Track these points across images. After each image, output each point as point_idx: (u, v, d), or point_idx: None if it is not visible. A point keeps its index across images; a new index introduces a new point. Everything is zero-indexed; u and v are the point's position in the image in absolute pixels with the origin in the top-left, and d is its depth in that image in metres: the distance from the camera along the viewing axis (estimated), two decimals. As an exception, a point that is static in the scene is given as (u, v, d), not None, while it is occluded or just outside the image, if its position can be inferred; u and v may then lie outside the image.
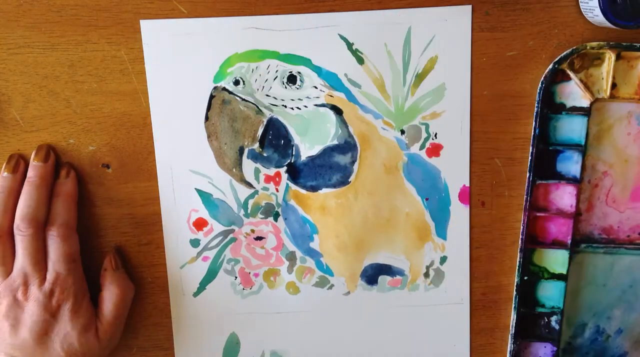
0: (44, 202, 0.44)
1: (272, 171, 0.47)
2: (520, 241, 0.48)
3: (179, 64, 0.45)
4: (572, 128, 0.46)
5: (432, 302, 0.50)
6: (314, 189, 0.47)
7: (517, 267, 0.48)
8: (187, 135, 0.46)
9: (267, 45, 0.45)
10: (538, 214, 0.48)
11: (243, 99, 0.46)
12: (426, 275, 0.49)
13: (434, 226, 0.48)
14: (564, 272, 0.48)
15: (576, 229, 0.48)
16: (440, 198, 0.48)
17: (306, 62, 0.45)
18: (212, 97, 0.46)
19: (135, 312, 0.49)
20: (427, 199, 0.48)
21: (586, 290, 0.49)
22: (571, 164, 0.47)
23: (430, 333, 0.50)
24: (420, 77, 0.46)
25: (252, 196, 0.47)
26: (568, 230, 0.47)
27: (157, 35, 0.45)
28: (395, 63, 0.45)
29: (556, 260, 0.48)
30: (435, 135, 0.47)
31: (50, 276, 0.43)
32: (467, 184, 0.48)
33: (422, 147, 0.47)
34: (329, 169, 0.47)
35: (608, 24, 0.42)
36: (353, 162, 0.47)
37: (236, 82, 0.45)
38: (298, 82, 0.46)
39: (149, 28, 0.44)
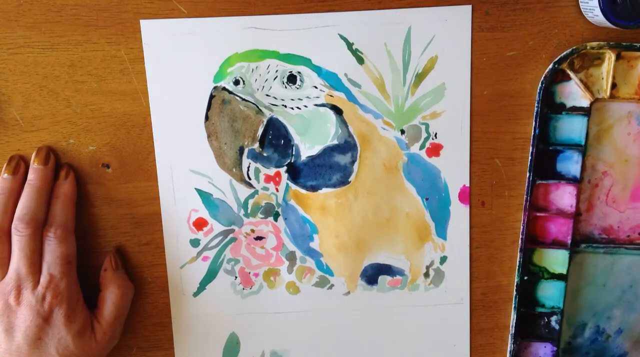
0: (44, 203, 0.44)
1: (272, 171, 0.47)
2: (520, 241, 0.48)
3: (179, 64, 0.45)
4: (572, 128, 0.46)
5: (432, 302, 0.50)
6: (314, 189, 0.47)
7: (517, 267, 0.48)
8: (187, 135, 0.46)
9: (267, 45, 0.45)
10: (538, 214, 0.48)
11: (243, 99, 0.46)
12: (426, 275, 0.49)
13: (434, 226, 0.48)
14: (564, 272, 0.48)
15: (576, 229, 0.48)
16: (440, 198, 0.48)
17: (306, 62, 0.45)
18: (212, 97, 0.46)
19: (135, 312, 0.49)
20: (427, 199, 0.48)
21: (586, 290, 0.49)
22: (571, 164, 0.47)
23: (430, 333, 0.50)
24: (420, 77, 0.46)
25: (252, 195, 0.47)
26: (568, 230, 0.47)
27: (157, 35, 0.45)
28: (395, 63, 0.45)
29: (556, 260, 0.48)
30: (435, 135, 0.47)
31: (43, 279, 0.43)
32: (467, 184, 0.48)
33: (422, 147, 0.47)
34: (329, 169, 0.47)
35: (608, 24, 0.42)
36: (353, 162, 0.47)
37: (236, 82, 0.46)
38: (298, 82, 0.46)
39: (149, 28, 0.44)
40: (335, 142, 0.47)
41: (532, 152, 0.46)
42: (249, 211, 0.48)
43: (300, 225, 0.48)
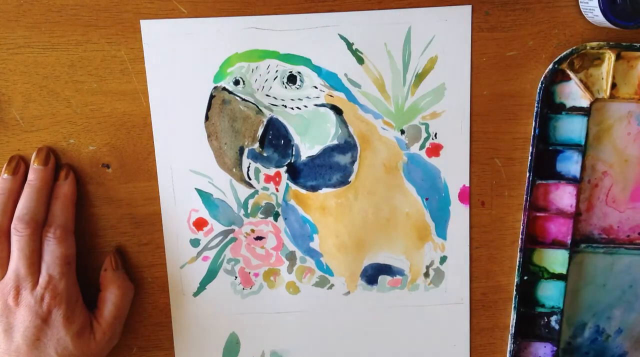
0: (44, 204, 0.44)
1: (272, 171, 0.47)
2: (520, 241, 0.48)
3: (179, 64, 0.45)
4: (572, 128, 0.46)
5: (432, 302, 0.50)
6: (314, 189, 0.47)
7: (517, 267, 0.48)
8: (187, 135, 0.46)
9: (267, 45, 0.45)
10: (538, 214, 0.48)
11: (243, 99, 0.46)
12: (426, 275, 0.49)
13: (434, 225, 0.48)
14: (564, 272, 0.48)
15: (576, 229, 0.48)
16: (440, 198, 0.48)
17: (306, 62, 0.45)
18: (212, 97, 0.46)
19: (135, 312, 0.49)
20: (427, 199, 0.48)
21: (586, 290, 0.49)
22: (571, 164, 0.47)
23: (430, 333, 0.50)
24: (420, 77, 0.46)
25: (252, 195, 0.47)
26: (568, 230, 0.47)
27: (157, 35, 0.45)
28: (395, 63, 0.45)
29: (556, 260, 0.48)
30: (435, 135, 0.47)
31: (42, 279, 0.43)
32: (467, 184, 0.48)
33: (422, 147, 0.47)
34: (329, 169, 0.47)
35: (608, 24, 0.42)
36: (353, 162, 0.47)
37: (236, 82, 0.46)
38: (298, 82, 0.46)
39: (149, 28, 0.44)
40: (335, 142, 0.47)
41: (532, 152, 0.46)
42: (249, 211, 0.48)
43: (300, 225, 0.48)
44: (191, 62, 0.45)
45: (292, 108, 0.46)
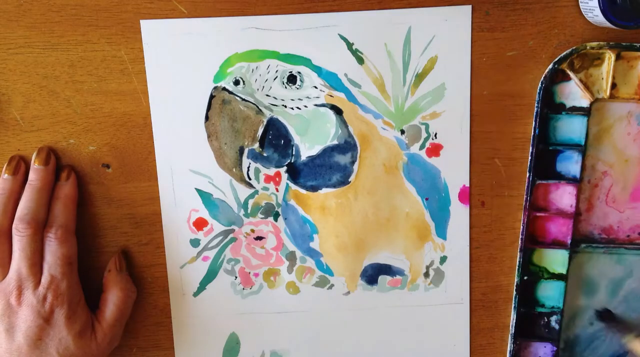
0: (44, 204, 0.44)
1: (272, 171, 0.47)
2: (520, 241, 0.48)
3: (179, 64, 0.45)
4: (572, 128, 0.46)
5: (432, 302, 0.50)
6: (314, 189, 0.48)
7: (517, 267, 0.48)
8: (187, 135, 0.46)
9: (267, 45, 0.45)
10: (538, 214, 0.48)
11: (243, 99, 0.46)
12: (426, 275, 0.49)
13: (434, 225, 0.48)
14: (564, 272, 0.48)
15: (576, 229, 0.48)
16: (440, 198, 0.48)
17: (306, 62, 0.45)
18: (212, 97, 0.46)
19: (135, 312, 0.49)
20: (427, 199, 0.48)
21: (586, 290, 0.49)
22: (571, 164, 0.47)
23: (430, 333, 0.50)
24: (420, 77, 0.46)
25: (252, 195, 0.47)
26: (568, 230, 0.47)
27: (157, 35, 0.45)
28: (395, 63, 0.45)
29: (556, 260, 0.48)
30: (435, 135, 0.47)
31: (44, 279, 0.43)
32: (467, 184, 0.48)
33: (422, 147, 0.47)
34: (329, 169, 0.47)
35: (608, 24, 0.42)
36: (353, 162, 0.47)
37: (236, 82, 0.46)
38: (298, 82, 0.46)
39: (149, 28, 0.44)
40: (335, 142, 0.47)
41: (532, 152, 0.46)
42: (249, 211, 0.48)
43: (300, 225, 0.48)
44: (191, 62, 0.45)
45: (292, 108, 0.46)
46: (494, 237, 0.49)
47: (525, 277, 0.48)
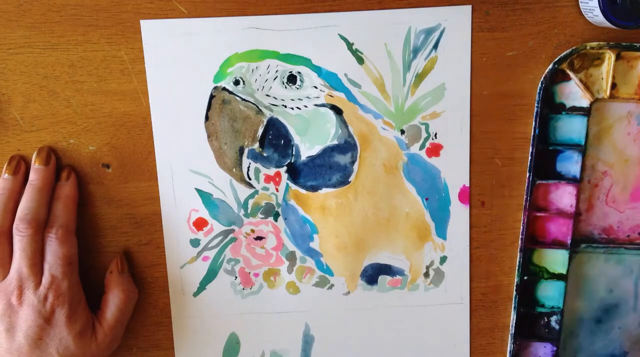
0: (45, 204, 0.44)
1: (272, 171, 0.47)
2: (520, 241, 0.48)
3: (179, 64, 0.45)
4: (572, 128, 0.46)
5: (432, 302, 0.50)
6: (314, 189, 0.48)
7: (517, 267, 0.48)
8: (187, 135, 0.46)
9: (267, 45, 0.45)
10: (538, 214, 0.48)
11: (243, 99, 0.46)
12: (426, 275, 0.49)
13: (434, 225, 0.48)
14: (564, 272, 0.48)
15: (576, 229, 0.48)
16: (440, 198, 0.48)
17: (306, 62, 0.45)
18: (212, 97, 0.46)
19: (135, 312, 0.49)
20: (427, 199, 0.48)
21: (586, 290, 0.49)
22: (571, 164, 0.47)
23: (430, 333, 0.50)
24: (420, 77, 0.46)
25: (252, 195, 0.47)
26: (568, 230, 0.47)
27: (157, 35, 0.45)
28: (395, 63, 0.45)
29: (556, 260, 0.48)
30: (435, 135, 0.47)
31: (45, 279, 0.43)
32: (467, 184, 0.48)
33: (422, 147, 0.47)
34: (329, 169, 0.47)
35: (608, 24, 0.42)
36: (353, 162, 0.47)
37: (236, 82, 0.46)
38: (298, 82, 0.46)
39: (149, 28, 0.44)
40: (335, 142, 0.47)
41: (532, 152, 0.46)
42: (249, 211, 0.48)
43: (300, 225, 0.48)
44: (191, 62, 0.45)
45: (292, 108, 0.46)
46: (494, 237, 0.49)
47: (525, 277, 0.48)
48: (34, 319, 0.42)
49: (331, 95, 0.46)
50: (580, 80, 0.45)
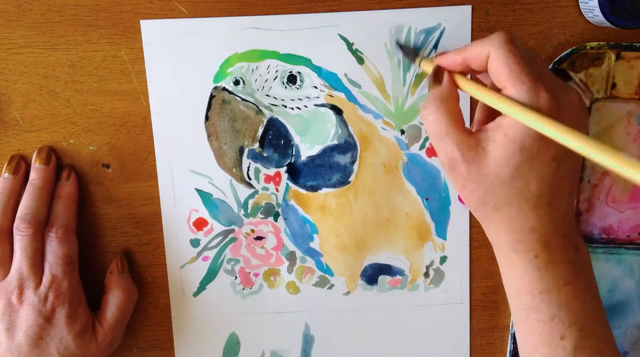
0: (45, 203, 0.44)
1: (272, 171, 0.47)
2: (520, 241, 0.48)
3: (179, 64, 0.45)
4: (572, 128, 0.46)
5: (432, 302, 0.50)
6: (314, 189, 0.48)
7: (517, 267, 0.48)
8: (187, 135, 0.46)
9: (267, 45, 0.45)
10: (538, 214, 0.48)
11: (243, 99, 0.46)
12: (426, 275, 0.49)
13: (434, 225, 0.48)
14: (564, 272, 0.48)
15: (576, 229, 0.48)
16: (440, 198, 0.48)
17: (306, 62, 0.45)
18: (212, 97, 0.46)
19: (135, 312, 0.49)
20: (427, 199, 0.48)
21: (586, 290, 0.49)
22: (571, 164, 0.47)
23: (430, 333, 0.50)
24: (420, 77, 0.46)
25: (252, 195, 0.47)
26: (568, 230, 0.47)
27: (157, 35, 0.45)
28: (395, 63, 0.45)
29: (556, 260, 0.48)
30: (435, 135, 0.47)
31: (46, 279, 0.43)
32: (467, 184, 0.48)
33: (422, 147, 0.47)
34: (329, 169, 0.47)
35: (608, 24, 0.42)
36: (353, 162, 0.47)
37: (236, 82, 0.46)
38: (298, 82, 0.46)
39: (149, 28, 0.44)
40: (335, 142, 0.47)
41: (532, 152, 0.46)
42: (249, 211, 0.48)
43: (300, 225, 0.48)
44: (191, 62, 0.45)
45: (292, 108, 0.46)
46: (494, 237, 0.49)
47: (525, 277, 0.48)
48: (34, 319, 0.42)
49: (331, 95, 0.46)
50: (580, 80, 0.45)
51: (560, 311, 0.36)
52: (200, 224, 0.48)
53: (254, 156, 0.47)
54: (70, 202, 0.45)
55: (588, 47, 0.44)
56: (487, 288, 0.49)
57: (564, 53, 0.45)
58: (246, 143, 0.47)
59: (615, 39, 0.45)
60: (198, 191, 0.47)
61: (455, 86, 0.38)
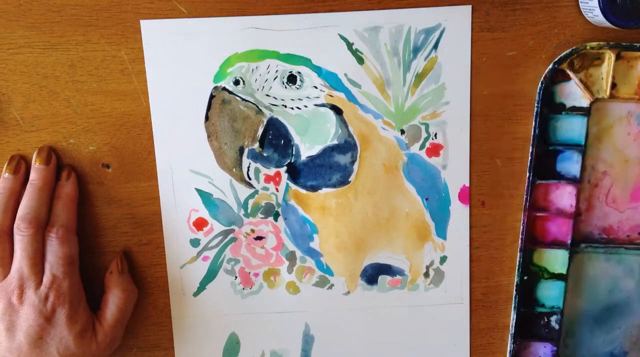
0: (46, 203, 0.44)
1: (272, 171, 0.47)
2: (520, 241, 0.48)
3: (179, 64, 0.45)
4: (572, 128, 0.46)
5: (432, 302, 0.50)
6: (314, 189, 0.48)
7: (517, 267, 0.48)
8: (187, 135, 0.46)
9: (267, 45, 0.45)
10: (538, 214, 0.48)
11: (243, 99, 0.46)
12: (426, 275, 0.49)
13: (434, 225, 0.48)
14: (564, 272, 0.48)
15: (576, 229, 0.48)
16: (440, 198, 0.48)
17: (306, 62, 0.45)
18: (212, 97, 0.46)
19: (135, 312, 0.49)
20: (427, 199, 0.48)
21: (586, 290, 0.49)
22: (571, 164, 0.47)
23: (430, 333, 0.50)
24: (420, 77, 0.46)
25: (252, 195, 0.47)
26: (568, 230, 0.47)
27: (157, 35, 0.45)
28: (395, 63, 0.45)
29: (556, 260, 0.48)
30: (435, 135, 0.47)
31: (46, 279, 0.43)
32: (467, 184, 0.48)
33: (422, 147, 0.47)
34: (329, 168, 0.47)
35: (608, 24, 0.42)
36: (353, 162, 0.47)
37: (236, 82, 0.46)
38: (298, 82, 0.46)
39: (149, 28, 0.44)
40: (335, 142, 0.47)
41: (532, 152, 0.46)
42: (249, 211, 0.48)
43: (300, 225, 0.48)
44: (191, 62, 0.45)
45: (292, 108, 0.46)
46: (494, 237, 0.49)
47: (525, 277, 0.48)
48: (34, 319, 0.42)
49: (331, 95, 0.46)
50: (580, 80, 0.45)
51: None
52: (200, 224, 0.48)
53: (254, 156, 0.47)
54: (70, 202, 0.45)
55: (588, 47, 0.44)
56: (487, 288, 0.50)
57: (564, 53, 0.45)
58: (246, 143, 0.47)
59: (615, 39, 0.45)
60: (198, 190, 0.47)
61: None
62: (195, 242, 0.48)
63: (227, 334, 0.50)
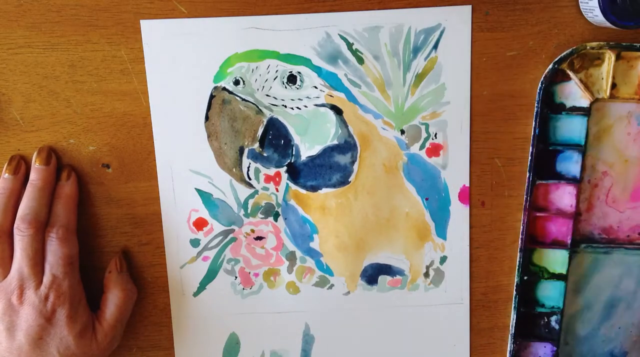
0: (46, 204, 0.44)
1: (272, 171, 0.47)
2: (520, 241, 0.48)
3: (179, 64, 0.45)
4: (572, 128, 0.46)
5: (432, 302, 0.50)
6: (314, 189, 0.48)
7: (517, 267, 0.48)
8: (187, 135, 0.46)
9: (267, 45, 0.45)
10: (538, 214, 0.48)
11: (243, 99, 0.46)
12: (426, 275, 0.49)
13: (434, 225, 0.48)
14: (564, 272, 0.48)
15: (576, 229, 0.48)
16: (440, 198, 0.48)
17: (306, 62, 0.45)
18: (212, 97, 0.46)
19: (135, 312, 0.49)
20: (427, 199, 0.48)
21: (586, 290, 0.49)
22: (571, 164, 0.47)
23: (430, 333, 0.50)
24: (420, 77, 0.46)
25: (252, 195, 0.47)
26: (568, 230, 0.47)
27: (157, 35, 0.45)
28: (395, 63, 0.45)
29: (556, 260, 0.48)
30: (435, 135, 0.47)
31: (46, 279, 0.43)
32: (467, 184, 0.48)
33: (422, 147, 0.47)
34: (329, 169, 0.47)
35: (608, 24, 0.42)
36: (353, 162, 0.47)
37: (236, 82, 0.46)
38: (298, 82, 0.46)
39: (149, 28, 0.44)
40: (335, 142, 0.47)
41: (532, 152, 0.46)
42: (249, 211, 0.48)
43: (300, 225, 0.48)
44: (191, 62, 0.45)
45: (292, 108, 0.46)
46: (494, 237, 0.49)
47: (525, 277, 0.48)
48: (34, 319, 0.42)
49: (331, 95, 0.46)
50: (580, 80, 0.45)
51: None
52: (200, 224, 0.48)
53: (254, 156, 0.47)
54: (70, 202, 0.45)
55: (588, 47, 0.44)
56: (487, 288, 0.50)
57: (564, 53, 0.45)
58: (246, 143, 0.47)
59: (615, 39, 0.45)
60: (198, 190, 0.47)
61: None
62: (195, 242, 0.48)
63: (227, 334, 0.50)
